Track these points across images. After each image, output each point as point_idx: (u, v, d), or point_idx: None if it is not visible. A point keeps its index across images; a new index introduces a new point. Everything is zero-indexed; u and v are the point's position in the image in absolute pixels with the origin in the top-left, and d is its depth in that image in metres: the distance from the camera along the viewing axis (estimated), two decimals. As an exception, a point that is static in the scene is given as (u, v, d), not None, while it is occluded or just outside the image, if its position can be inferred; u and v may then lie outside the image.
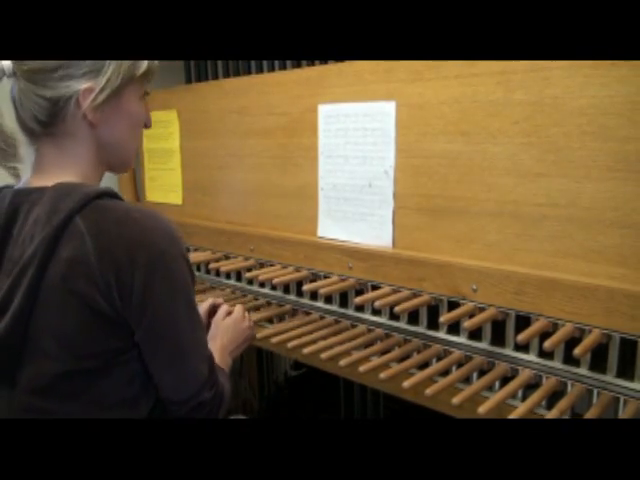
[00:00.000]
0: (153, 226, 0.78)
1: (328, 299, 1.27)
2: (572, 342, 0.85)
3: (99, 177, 0.90)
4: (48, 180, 0.81)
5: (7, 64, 0.80)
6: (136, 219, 0.77)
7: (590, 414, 0.83)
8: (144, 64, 0.86)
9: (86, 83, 0.79)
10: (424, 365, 1.05)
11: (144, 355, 0.82)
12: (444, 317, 0.95)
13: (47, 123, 0.81)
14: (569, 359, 0.88)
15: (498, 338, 0.99)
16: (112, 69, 0.81)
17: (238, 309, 1.16)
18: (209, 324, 1.14)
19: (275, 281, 1.22)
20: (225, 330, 1.10)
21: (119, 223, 0.76)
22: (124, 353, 0.81)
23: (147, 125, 0.93)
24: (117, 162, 0.91)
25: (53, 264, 0.75)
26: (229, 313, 1.15)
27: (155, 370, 0.83)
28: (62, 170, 0.84)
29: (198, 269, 1.61)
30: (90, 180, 0.86)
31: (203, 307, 1.17)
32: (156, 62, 0.89)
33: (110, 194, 0.81)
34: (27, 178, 0.86)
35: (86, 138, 0.84)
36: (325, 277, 1.24)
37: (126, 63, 0.83)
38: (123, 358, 0.81)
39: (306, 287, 1.17)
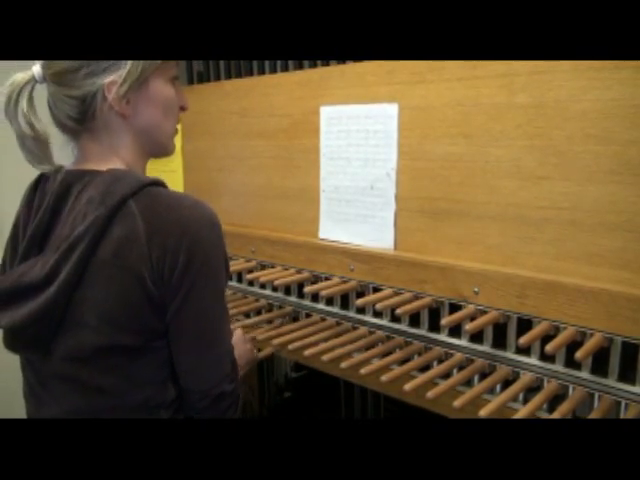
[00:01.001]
0: (200, 215, 0.82)
1: (329, 301, 1.27)
2: (574, 345, 0.85)
3: (143, 165, 0.93)
4: (97, 167, 0.85)
5: (37, 70, 0.84)
6: (186, 206, 0.81)
7: (591, 418, 0.83)
8: None
9: (108, 77, 0.82)
10: (425, 368, 1.05)
11: (171, 338, 0.84)
12: (445, 320, 0.95)
13: (80, 120, 0.85)
14: (571, 362, 0.88)
15: (499, 341, 0.99)
16: (132, 60, 0.83)
17: (239, 332, 1.18)
18: None
19: (276, 283, 1.22)
20: None
21: (170, 208, 0.80)
22: (160, 337, 0.83)
23: (183, 108, 0.95)
24: (156, 148, 0.93)
25: (105, 242, 0.78)
26: None
27: (180, 355, 0.85)
28: (106, 160, 0.87)
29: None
30: (134, 169, 0.89)
31: None
32: None
33: (161, 183, 0.85)
34: (74, 163, 0.89)
35: (121, 128, 0.87)
36: (326, 279, 1.24)
37: None
38: (159, 343, 0.83)
39: (307, 289, 1.17)
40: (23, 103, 0.83)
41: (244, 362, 1.13)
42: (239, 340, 1.15)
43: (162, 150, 0.95)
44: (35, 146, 0.86)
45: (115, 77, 0.82)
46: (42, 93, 0.87)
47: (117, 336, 0.80)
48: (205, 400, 0.88)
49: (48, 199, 0.84)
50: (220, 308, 0.87)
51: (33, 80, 0.84)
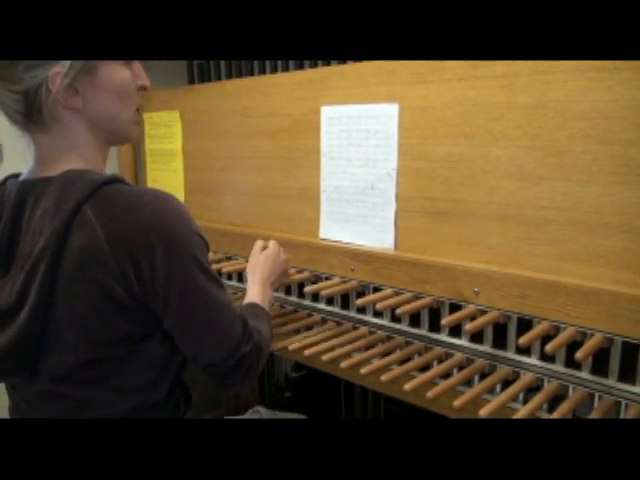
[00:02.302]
0: (163, 207, 0.78)
1: (330, 301, 1.27)
2: (574, 345, 0.85)
3: (103, 157, 0.88)
4: (51, 169, 0.81)
5: None
6: (146, 202, 0.77)
7: (591, 418, 0.83)
8: None
9: (51, 69, 0.77)
10: (425, 368, 1.05)
11: (177, 335, 0.83)
12: (446, 320, 0.95)
13: (27, 114, 0.80)
14: (571, 362, 0.88)
15: (500, 341, 0.99)
16: None
17: (273, 243, 1.21)
18: None
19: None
20: (264, 263, 1.15)
21: (129, 208, 0.76)
22: (143, 339, 0.81)
23: (144, 87, 0.89)
24: (115, 137, 0.88)
25: (66, 255, 0.74)
26: (264, 248, 1.20)
27: (191, 344, 0.85)
28: (62, 157, 0.82)
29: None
30: (94, 162, 0.85)
31: (257, 245, 1.22)
32: None
33: (118, 179, 0.80)
34: (31, 168, 0.86)
35: (74, 121, 0.82)
36: (327, 279, 1.24)
37: None
38: (142, 345, 0.81)
39: (308, 289, 1.17)
40: None
41: (280, 272, 1.18)
42: (275, 251, 1.19)
43: (123, 138, 0.90)
44: None
45: (58, 68, 0.77)
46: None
47: (97, 350, 0.78)
48: (227, 366, 0.87)
49: (5, 215, 0.80)
50: (215, 286, 0.84)
51: None
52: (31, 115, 0.80)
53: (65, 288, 0.75)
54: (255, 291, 1.08)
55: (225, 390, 0.92)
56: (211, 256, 1.52)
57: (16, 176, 0.87)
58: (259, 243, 1.22)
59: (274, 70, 1.72)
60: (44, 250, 0.74)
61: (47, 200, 0.77)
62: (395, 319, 1.14)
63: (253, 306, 1.03)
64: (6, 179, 0.87)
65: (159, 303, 0.78)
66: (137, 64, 0.89)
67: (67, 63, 0.77)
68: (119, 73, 0.84)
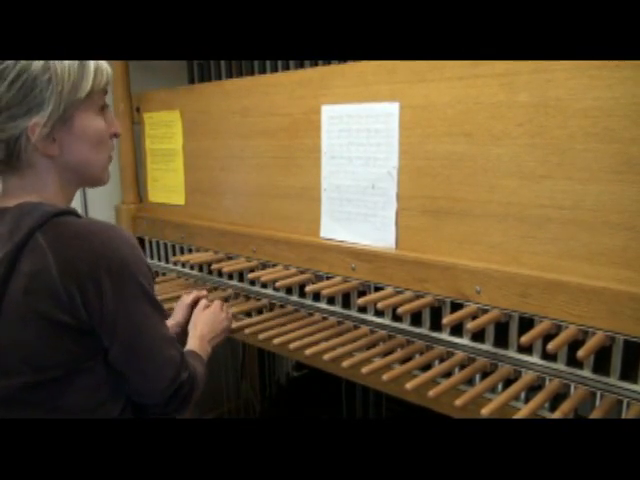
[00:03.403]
0: (112, 236, 0.81)
1: (331, 300, 1.27)
2: (575, 344, 0.85)
3: (67, 197, 0.90)
4: (9, 203, 0.84)
5: None
6: (95, 232, 0.80)
7: (593, 416, 0.83)
8: (87, 85, 0.84)
9: (31, 119, 0.80)
10: (427, 367, 1.05)
11: (118, 360, 0.85)
12: (447, 319, 0.95)
13: (5, 161, 0.84)
14: (572, 361, 0.88)
15: (501, 340, 0.99)
16: (53, 100, 0.81)
17: (216, 303, 1.26)
18: (191, 314, 1.24)
19: (278, 284, 1.22)
20: (205, 320, 1.20)
21: (79, 237, 0.79)
22: (87, 360, 0.83)
23: (116, 134, 0.94)
24: (88, 180, 0.92)
25: (14, 279, 0.77)
26: (208, 306, 1.25)
27: (133, 371, 0.87)
28: (23, 195, 0.85)
29: (200, 269, 1.61)
30: (57, 201, 0.87)
31: (187, 299, 1.28)
32: (105, 75, 0.87)
33: (70, 212, 0.84)
34: None
35: (46, 167, 0.85)
36: (328, 278, 1.24)
37: (66, 90, 0.81)
38: (86, 365, 0.83)
39: (309, 288, 1.17)
40: None
41: (220, 330, 1.21)
42: (217, 309, 1.23)
43: (94, 182, 0.93)
44: None
45: (38, 119, 0.80)
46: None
47: (37, 373, 0.79)
48: (167, 394, 0.90)
49: None
50: (157, 316, 0.88)
51: None
52: (9, 161, 0.84)
53: (10, 312, 0.77)
54: (194, 343, 1.12)
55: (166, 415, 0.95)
56: (211, 256, 1.52)
57: None
58: (203, 302, 1.26)
59: (274, 69, 1.72)
60: None
61: (2, 227, 0.80)
62: (396, 318, 1.14)
63: (190, 351, 1.08)
64: None
65: (105, 329, 0.81)
66: (110, 112, 0.93)
67: (46, 114, 0.80)
68: (93, 122, 0.87)
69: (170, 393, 0.91)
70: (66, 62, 0.81)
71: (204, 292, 1.32)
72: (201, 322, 1.19)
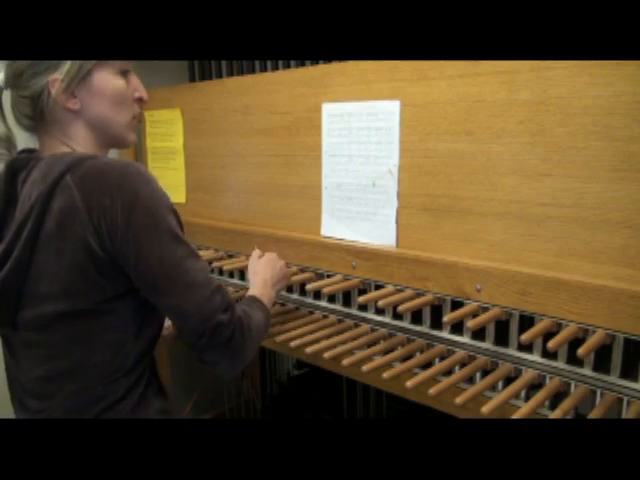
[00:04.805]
0: (130, 171, 0.85)
1: (331, 298, 1.27)
2: (576, 342, 0.85)
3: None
4: (45, 154, 0.91)
5: (0, 77, 0.92)
6: (115, 166, 0.85)
7: (593, 415, 0.82)
8: None
9: (51, 75, 0.87)
10: (427, 365, 1.05)
11: (144, 292, 0.87)
12: (447, 317, 0.95)
13: (34, 117, 0.91)
14: (573, 359, 0.88)
15: (502, 338, 0.99)
16: None
17: (270, 253, 1.25)
18: None
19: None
20: (265, 265, 1.18)
21: (100, 172, 0.84)
22: (118, 298, 0.87)
23: (141, 99, 0.98)
24: (111, 139, 0.96)
25: (48, 216, 0.83)
26: (261, 256, 1.23)
27: (160, 304, 0.88)
28: (56, 148, 0.92)
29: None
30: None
31: (254, 253, 1.25)
32: None
33: (97, 157, 0.88)
34: None
35: (71, 121, 0.91)
36: (328, 276, 1.24)
37: None
38: (117, 304, 0.87)
39: (309, 286, 1.17)
40: None
41: (282, 275, 1.19)
42: (274, 256, 1.22)
43: (118, 141, 0.98)
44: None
45: (56, 74, 0.87)
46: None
47: (74, 302, 0.84)
48: (204, 338, 0.87)
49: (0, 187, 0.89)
50: (177, 249, 0.86)
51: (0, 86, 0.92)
52: (36, 117, 0.91)
53: (47, 245, 0.84)
54: (256, 288, 1.10)
55: (207, 367, 0.91)
56: (212, 254, 1.52)
57: None
58: (256, 252, 1.25)
59: (275, 68, 1.72)
60: (30, 211, 0.83)
61: (37, 172, 0.87)
62: (397, 316, 1.14)
63: (249, 298, 1.05)
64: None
65: (121, 256, 0.84)
66: (135, 77, 0.97)
67: (64, 70, 0.87)
68: (112, 81, 0.92)
69: (201, 333, 0.87)
70: None
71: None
72: (262, 267, 1.17)
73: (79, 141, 0.92)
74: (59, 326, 0.86)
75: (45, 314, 0.85)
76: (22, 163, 0.90)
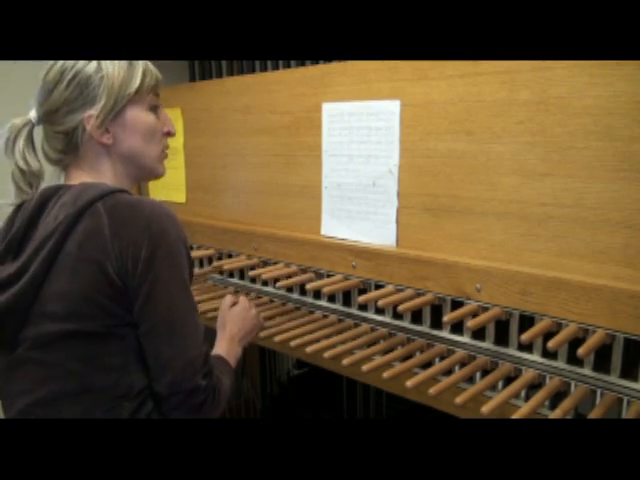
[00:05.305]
0: (161, 211, 0.88)
1: (331, 298, 1.27)
2: (576, 342, 0.85)
3: (127, 187, 0.98)
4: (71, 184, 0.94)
5: (33, 114, 0.95)
6: (147, 204, 0.88)
7: (593, 414, 0.83)
8: (136, 83, 0.93)
9: (86, 112, 0.91)
10: (427, 364, 1.05)
11: (140, 330, 0.87)
12: (447, 316, 0.95)
13: (66, 151, 0.95)
14: (573, 359, 0.88)
15: (502, 338, 0.99)
16: (105, 94, 0.91)
17: (243, 299, 1.20)
18: None
19: (279, 284, 1.22)
20: (233, 319, 1.15)
21: (132, 205, 0.87)
22: (125, 325, 0.86)
23: (170, 133, 1.03)
24: (142, 171, 1.01)
25: (72, 237, 0.85)
26: (234, 303, 1.19)
27: (149, 347, 0.87)
28: (85, 179, 0.94)
29: (201, 266, 1.61)
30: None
31: (226, 301, 1.20)
32: (153, 77, 0.97)
33: (127, 192, 0.93)
34: None
35: (102, 155, 0.95)
36: (328, 276, 1.24)
37: (116, 86, 0.91)
38: (124, 330, 0.87)
39: (309, 286, 1.17)
40: (20, 142, 0.95)
41: (250, 328, 1.16)
42: (245, 306, 1.18)
43: (149, 173, 1.02)
44: (23, 180, 0.96)
45: (92, 111, 0.91)
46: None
47: (81, 323, 0.84)
48: (178, 395, 0.87)
49: (27, 211, 0.91)
50: (186, 300, 0.89)
51: (30, 123, 0.96)
52: (69, 151, 0.95)
53: (64, 265, 0.85)
54: (222, 346, 1.09)
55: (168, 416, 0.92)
56: (212, 253, 1.52)
57: None
58: (228, 298, 1.20)
59: (275, 68, 1.72)
60: (54, 231, 0.85)
61: (67, 197, 0.89)
62: (397, 316, 1.14)
63: (218, 358, 1.04)
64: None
65: (133, 287, 0.85)
66: (164, 112, 1.02)
67: (99, 106, 0.91)
68: (144, 117, 0.97)
69: (177, 390, 0.86)
70: (116, 62, 0.91)
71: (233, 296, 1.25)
72: (229, 321, 1.14)
73: (107, 174, 0.96)
74: (62, 345, 0.85)
75: (49, 332, 0.85)
76: (52, 191, 0.92)
